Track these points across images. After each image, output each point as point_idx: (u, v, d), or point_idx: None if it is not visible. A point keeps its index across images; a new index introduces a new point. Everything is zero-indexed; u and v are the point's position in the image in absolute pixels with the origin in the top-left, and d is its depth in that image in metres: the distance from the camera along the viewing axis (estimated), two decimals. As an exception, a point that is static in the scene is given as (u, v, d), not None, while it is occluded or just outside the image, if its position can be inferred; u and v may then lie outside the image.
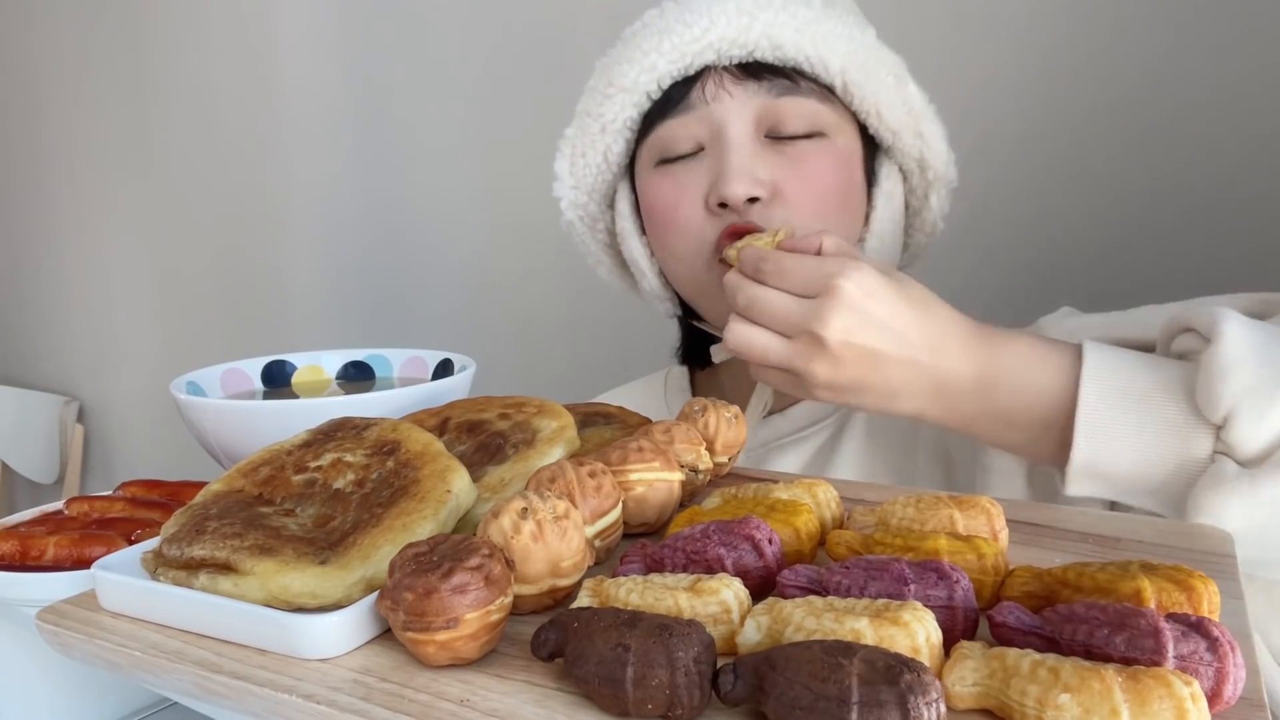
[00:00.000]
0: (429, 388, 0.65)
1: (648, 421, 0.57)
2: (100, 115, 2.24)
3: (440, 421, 0.56)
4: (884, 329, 0.53)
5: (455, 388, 0.68)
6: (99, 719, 0.68)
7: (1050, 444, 0.56)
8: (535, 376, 1.56)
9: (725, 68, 0.65)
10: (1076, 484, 0.54)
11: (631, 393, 0.89)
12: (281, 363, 0.78)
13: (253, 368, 0.77)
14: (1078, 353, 0.55)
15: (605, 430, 0.58)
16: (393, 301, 1.78)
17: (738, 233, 0.64)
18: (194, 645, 0.38)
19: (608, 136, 0.71)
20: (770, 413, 0.77)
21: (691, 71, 0.65)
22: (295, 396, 0.75)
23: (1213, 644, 0.31)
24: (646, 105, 0.68)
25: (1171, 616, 0.32)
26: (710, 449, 0.54)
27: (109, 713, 0.68)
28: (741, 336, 0.56)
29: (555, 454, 0.51)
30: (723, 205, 0.65)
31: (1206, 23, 0.96)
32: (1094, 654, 0.32)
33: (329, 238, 1.85)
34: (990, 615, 0.35)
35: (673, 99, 0.67)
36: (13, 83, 2.45)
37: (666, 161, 0.68)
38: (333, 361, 0.80)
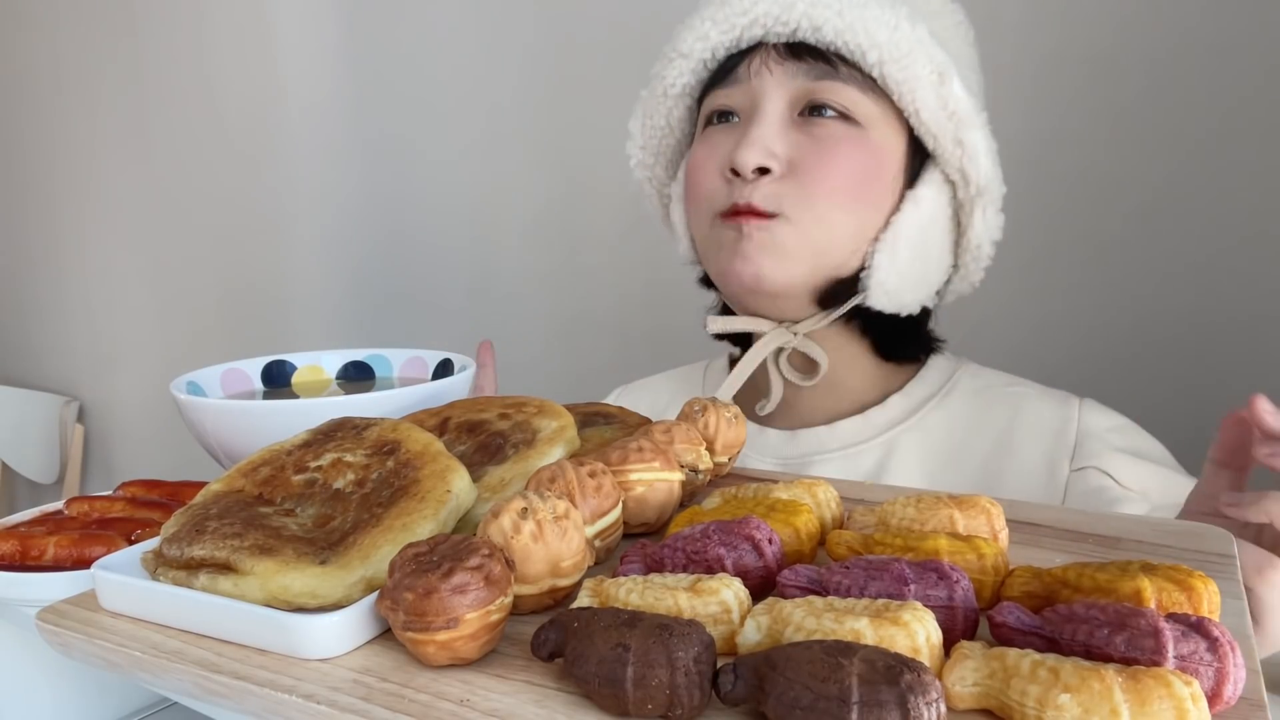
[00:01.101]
0: (429, 388, 0.65)
1: (648, 421, 0.57)
2: (101, 115, 2.24)
3: (440, 421, 0.56)
4: None
5: (455, 388, 0.68)
6: (99, 719, 0.68)
7: None
8: (535, 377, 1.56)
9: (774, 45, 0.66)
10: None
11: (668, 382, 0.89)
12: (281, 363, 0.78)
13: (253, 368, 0.77)
14: None
15: (605, 430, 0.58)
16: (393, 302, 1.78)
17: (738, 211, 0.65)
18: (194, 645, 0.38)
19: (669, 100, 0.72)
20: (810, 424, 0.75)
21: (743, 45, 0.67)
22: (295, 396, 0.75)
23: (1213, 644, 0.31)
24: (704, 73, 0.70)
25: (1171, 616, 0.32)
26: (710, 449, 0.54)
27: (109, 713, 0.68)
28: None
29: (555, 454, 0.51)
30: (735, 173, 0.66)
31: (1208, 23, 0.96)
32: (1094, 654, 0.32)
33: (329, 238, 1.85)
34: (990, 615, 0.34)
35: (724, 69, 0.68)
36: (13, 83, 2.45)
37: (707, 129, 0.70)
38: (333, 361, 0.80)
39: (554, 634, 0.34)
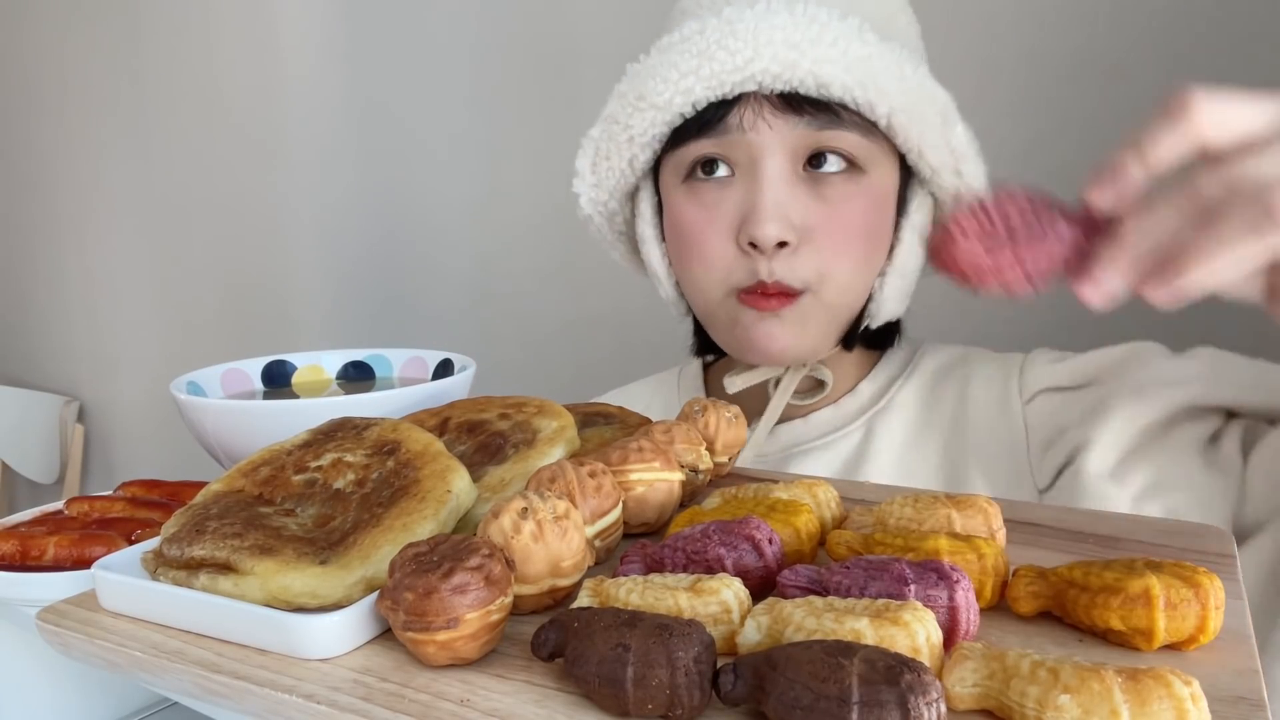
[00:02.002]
0: (429, 388, 0.65)
1: (648, 421, 0.57)
2: (102, 116, 2.24)
3: (440, 421, 0.56)
4: None
5: (455, 388, 0.68)
6: (99, 719, 0.68)
7: None
8: (535, 377, 1.56)
9: (765, 96, 0.62)
10: None
11: (644, 389, 0.89)
12: (281, 363, 0.78)
13: (253, 368, 0.77)
14: None
15: (605, 430, 0.58)
16: (393, 302, 1.78)
17: (767, 292, 0.64)
18: (194, 645, 0.38)
19: (634, 147, 0.68)
20: (787, 418, 0.76)
21: (730, 97, 0.63)
22: (295, 396, 0.75)
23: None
24: (678, 122, 0.66)
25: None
26: (710, 449, 0.54)
27: (109, 713, 0.68)
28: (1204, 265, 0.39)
29: (555, 454, 0.51)
30: (752, 244, 0.64)
31: (1211, 24, 0.96)
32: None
33: (329, 238, 1.85)
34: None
35: (707, 119, 0.64)
36: (13, 83, 2.45)
37: (692, 181, 0.67)
38: (333, 361, 0.80)
39: (554, 634, 0.34)
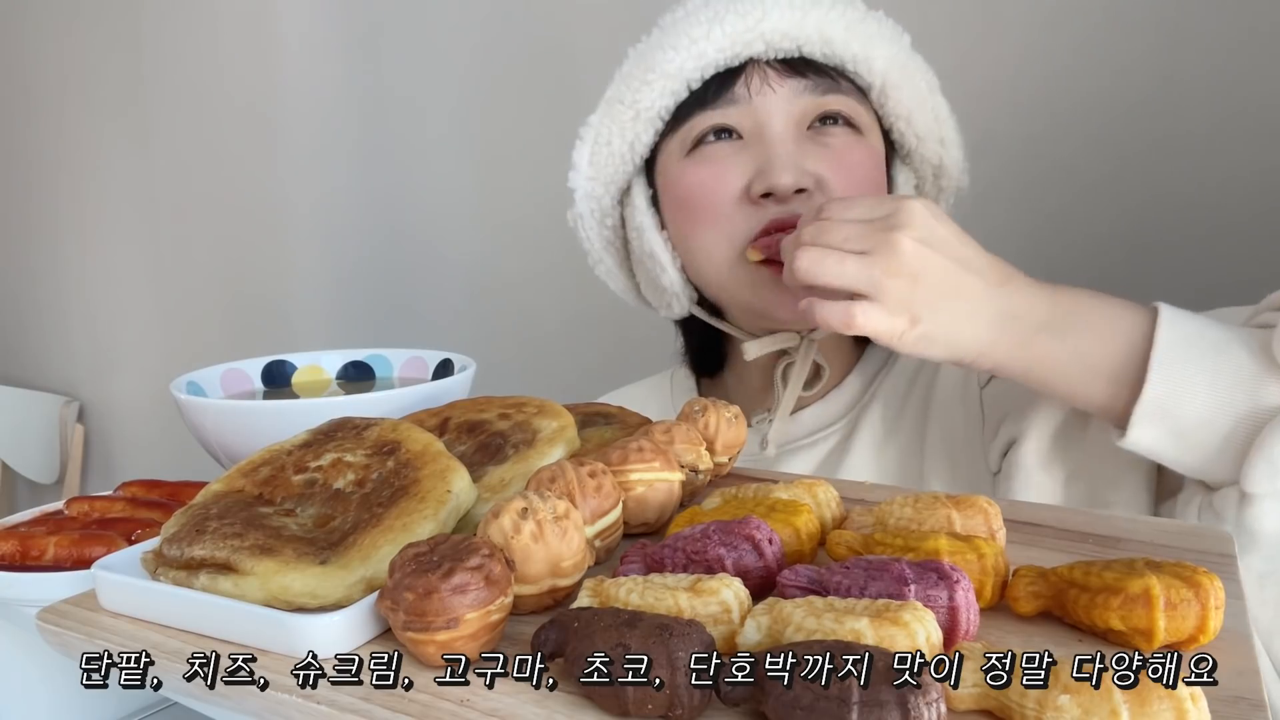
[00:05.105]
0: (429, 388, 0.65)
1: (648, 421, 0.57)
2: (101, 115, 2.24)
3: (440, 421, 0.56)
4: (953, 247, 0.53)
5: (455, 388, 0.68)
6: (99, 719, 0.68)
7: (1121, 386, 0.55)
8: (535, 377, 1.56)
9: (769, 62, 0.65)
10: (1141, 426, 0.53)
11: (637, 391, 0.89)
12: (281, 363, 0.78)
13: (253, 368, 0.77)
14: (1150, 307, 0.55)
15: (605, 430, 0.58)
16: (393, 302, 1.78)
17: (781, 227, 0.64)
18: (194, 645, 0.38)
19: (639, 124, 0.70)
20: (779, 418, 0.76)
21: (736, 63, 0.66)
22: (295, 396, 0.75)
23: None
24: (684, 95, 0.68)
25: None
26: (710, 449, 0.54)
27: (109, 713, 0.68)
28: (813, 259, 0.55)
29: (555, 454, 0.51)
30: (765, 196, 0.65)
31: (1211, 25, 0.96)
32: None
33: (329, 238, 1.85)
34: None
35: (712, 89, 0.67)
36: (13, 83, 2.45)
37: (700, 148, 0.68)
38: (333, 361, 0.80)
39: (554, 634, 0.34)
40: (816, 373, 0.75)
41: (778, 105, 0.66)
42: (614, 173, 0.73)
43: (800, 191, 0.65)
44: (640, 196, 0.74)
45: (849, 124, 0.67)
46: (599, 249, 0.80)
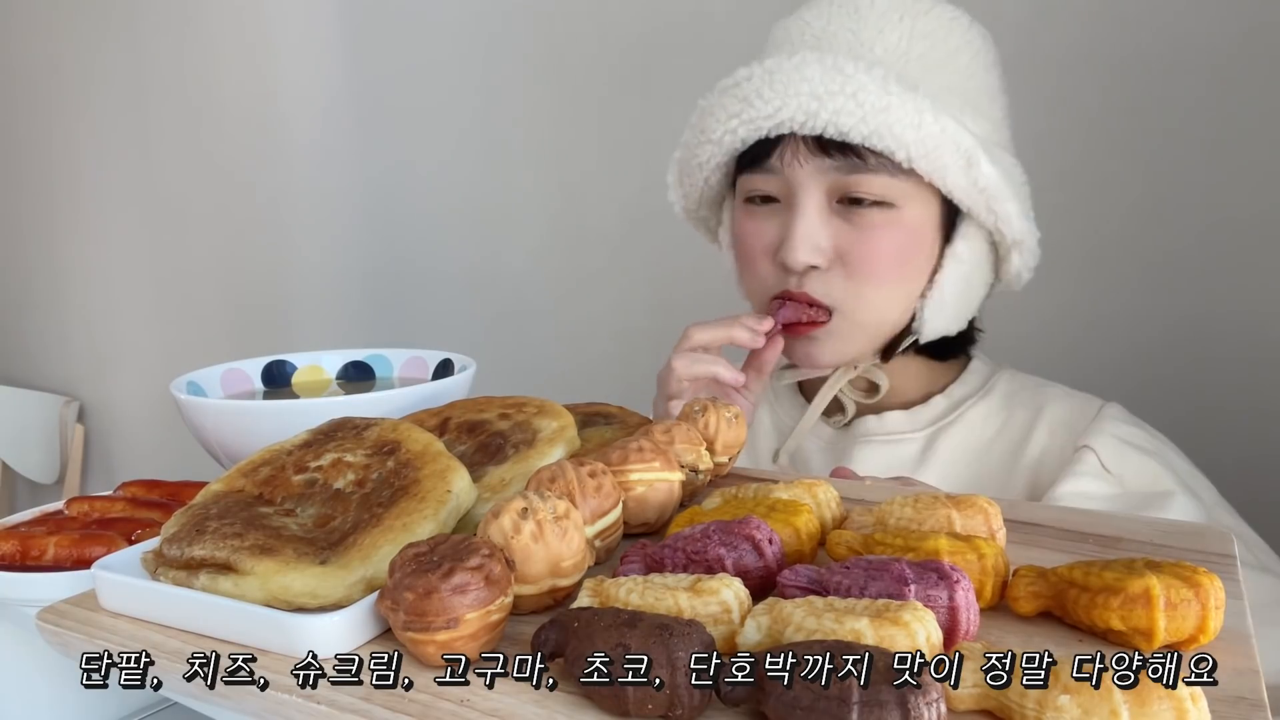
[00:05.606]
0: (429, 388, 0.65)
1: (648, 421, 0.57)
2: (101, 115, 2.24)
3: (440, 421, 0.56)
4: None
5: (455, 388, 0.68)
6: (99, 719, 0.68)
7: None
8: (535, 377, 1.56)
9: (802, 137, 0.68)
10: None
11: None
12: (281, 363, 0.78)
13: (253, 368, 0.77)
14: None
15: (605, 430, 0.58)
16: (393, 302, 1.78)
17: (790, 297, 0.70)
18: (194, 645, 0.38)
19: (705, 172, 0.75)
20: (863, 412, 0.79)
21: (771, 136, 0.69)
22: (295, 396, 0.75)
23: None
24: (736, 152, 0.72)
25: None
26: (710, 449, 0.54)
27: (109, 713, 0.68)
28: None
29: (555, 454, 0.51)
30: (785, 266, 0.70)
31: (1212, 23, 0.96)
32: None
33: (329, 238, 1.85)
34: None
35: (756, 154, 0.70)
36: (13, 83, 2.45)
37: (748, 204, 0.74)
38: (333, 361, 0.80)
39: (554, 634, 0.34)
40: (875, 387, 0.78)
41: (806, 178, 0.68)
42: (700, 195, 0.79)
43: (813, 268, 0.69)
44: (729, 214, 0.79)
45: (878, 203, 0.68)
46: (709, 235, 0.86)
